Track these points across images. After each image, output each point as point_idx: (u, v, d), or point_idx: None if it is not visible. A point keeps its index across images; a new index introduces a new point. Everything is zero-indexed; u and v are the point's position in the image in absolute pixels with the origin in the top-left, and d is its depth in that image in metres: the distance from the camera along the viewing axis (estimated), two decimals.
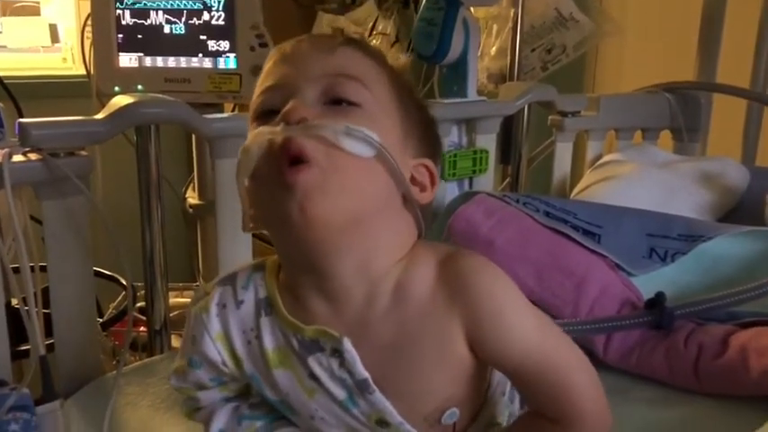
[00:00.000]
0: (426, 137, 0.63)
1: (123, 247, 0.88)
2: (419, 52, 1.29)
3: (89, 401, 0.85)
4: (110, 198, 1.25)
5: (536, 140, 1.53)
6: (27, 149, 0.85)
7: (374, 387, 0.57)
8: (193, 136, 1.32)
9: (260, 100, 0.59)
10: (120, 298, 1.39)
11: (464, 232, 1.03)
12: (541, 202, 1.12)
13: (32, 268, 0.85)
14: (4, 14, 2.29)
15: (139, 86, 1.19)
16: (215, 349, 0.62)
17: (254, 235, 1.01)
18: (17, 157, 0.84)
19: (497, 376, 0.64)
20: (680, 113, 1.54)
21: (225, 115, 1.15)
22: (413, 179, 0.60)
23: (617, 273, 1.01)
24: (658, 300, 0.91)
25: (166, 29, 1.21)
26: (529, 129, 1.49)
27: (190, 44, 1.21)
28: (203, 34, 1.21)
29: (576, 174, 1.51)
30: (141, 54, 1.20)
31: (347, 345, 0.57)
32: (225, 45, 1.21)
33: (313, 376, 0.58)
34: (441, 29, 1.23)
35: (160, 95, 0.97)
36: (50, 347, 0.87)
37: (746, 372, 0.82)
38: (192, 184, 1.43)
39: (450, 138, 1.29)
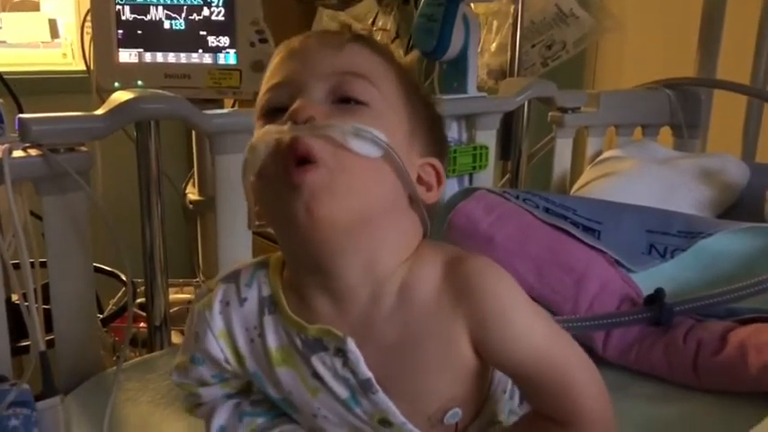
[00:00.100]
0: (433, 135, 0.63)
1: (123, 242, 0.88)
2: (419, 48, 1.29)
3: (89, 397, 0.85)
4: (110, 194, 1.24)
5: (536, 137, 1.53)
6: (27, 145, 0.85)
7: (377, 387, 0.57)
8: (193, 132, 1.32)
9: (267, 97, 0.59)
10: (120, 294, 1.39)
11: (464, 228, 1.03)
12: (541, 199, 1.12)
13: (32, 264, 0.85)
14: (4, 10, 2.28)
15: (139, 82, 1.19)
16: (217, 347, 0.62)
17: (254, 232, 1.01)
18: (17, 153, 0.84)
19: (498, 374, 0.64)
20: (680, 110, 1.54)
21: (225, 111, 1.15)
22: (419, 179, 0.60)
23: (616, 269, 1.01)
24: (658, 296, 0.91)
25: (166, 24, 1.20)
26: (529, 125, 1.49)
27: (190, 40, 1.21)
28: (203, 30, 1.21)
29: (575, 170, 1.51)
30: (141, 50, 1.20)
31: (351, 345, 0.56)
32: (225, 41, 1.21)
33: (316, 375, 0.58)
34: (441, 25, 1.23)
35: (160, 91, 0.96)
36: (50, 343, 0.87)
37: (745, 368, 0.82)
38: (192, 180, 1.43)
39: (450, 134, 1.29)
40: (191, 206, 1.39)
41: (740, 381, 0.83)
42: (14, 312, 0.85)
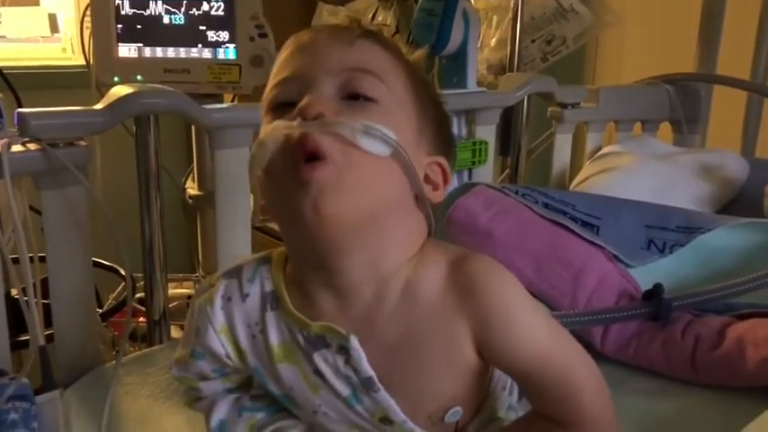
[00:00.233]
0: (440, 133, 0.62)
1: (122, 237, 0.88)
2: (419, 43, 1.29)
3: (88, 391, 0.85)
4: (109, 188, 1.25)
5: (535, 132, 1.53)
6: (26, 139, 0.85)
7: (379, 385, 0.57)
8: (193, 127, 1.32)
9: (275, 92, 0.58)
10: (119, 288, 1.39)
11: (463, 223, 1.03)
12: (540, 194, 1.12)
13: (32, 259, 0.85)
14: (4, 4, 2.28)
15: (139, 77, 1.19)
16: (218, 342, 0.61)
17: (254, 227, 1.01)
18: (16, 148, 0.84)
19: (498, 371, 0.64)
20: (679, 105, 1.55)
21: (224, 106, 1.15)
22: (426, 177, 0.59)
23: (615, 264, 1.01)
24: (656, 291, 0.91)
25: (166, 19, 1.20)
26: (528, 120, 1.49)
27: (189, 34, 1.21)
28: (203, 25, 1.21)
29: (575, 165, 1.51)
30: (141, 44, 1.20)
31: (354, 342, 0.56)
32: (224, 35, 1.21)
33: (318, 372, 0.58)
34: (440, 20, 1.23)
35: (159, 86, 0.96)
36: (50, 338, 0.87)
37: (743, 363, 0.83)
38: (191, 175, 1.43)
39: None
40: (190, 201, 1.39)
41: (738, 375, 0.83)
42: (14, 307, 0.85)
